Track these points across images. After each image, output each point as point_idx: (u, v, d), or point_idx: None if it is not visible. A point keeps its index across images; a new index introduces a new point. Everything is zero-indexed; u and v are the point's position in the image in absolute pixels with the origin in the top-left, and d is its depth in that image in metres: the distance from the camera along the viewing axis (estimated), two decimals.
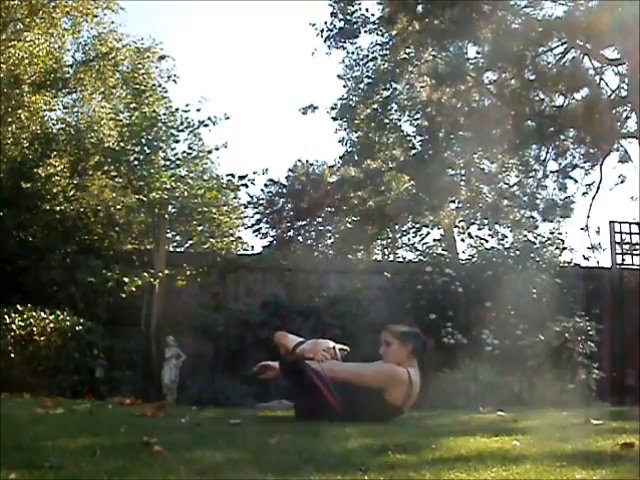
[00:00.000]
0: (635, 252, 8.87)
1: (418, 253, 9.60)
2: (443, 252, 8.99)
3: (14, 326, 6.74)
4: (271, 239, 11.46)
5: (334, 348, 3.80)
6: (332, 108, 13.74)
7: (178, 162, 8.67)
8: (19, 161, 9.15)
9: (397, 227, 14.63)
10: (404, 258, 15.34)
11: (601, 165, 10.70)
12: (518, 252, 8.37)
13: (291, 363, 3.73)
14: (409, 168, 11.79)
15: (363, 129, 13.35)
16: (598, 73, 10.34)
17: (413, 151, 12.02)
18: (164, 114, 8.74)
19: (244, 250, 10.06)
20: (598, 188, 10.86)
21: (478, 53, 10.87)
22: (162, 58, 12.92)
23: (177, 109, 8.76)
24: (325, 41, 11.58)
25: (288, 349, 3.68)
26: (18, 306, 6.99)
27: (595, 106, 9.63)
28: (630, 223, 8.99)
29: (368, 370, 3.84)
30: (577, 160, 10.90)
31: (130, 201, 8.70)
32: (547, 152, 10.85)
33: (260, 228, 12.02)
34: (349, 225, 14.06)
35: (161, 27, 25.83)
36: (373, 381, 3.78)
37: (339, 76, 13.90)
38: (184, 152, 8.74)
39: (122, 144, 8.61)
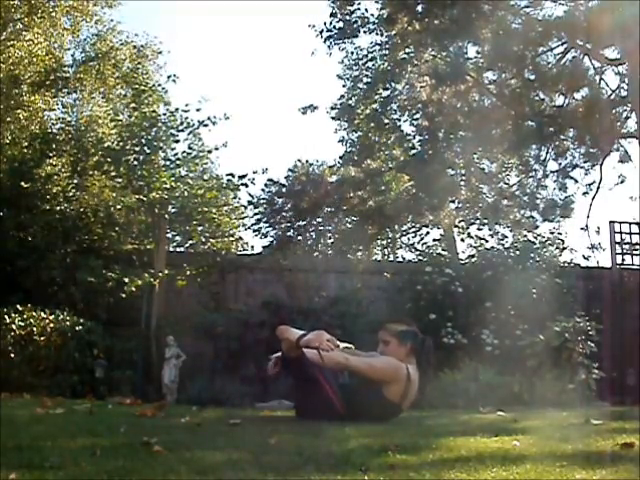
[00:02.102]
0: (635, 252, 8.87)
1: (418, 253, 9.60)
2: (443, 252, 9.00)
3: (14, 326, 6.74)
4: (271, 239, 11.45)
5: (338, 346, 3.81)
6: (332, 108, 13.74)
7: (178, 162, 8.67)
8: (19, 161, 9.15)
9: (397, 227, 14.62)
10: (404, 258, 15.35)
11: (601, 165, 10.69)
12: (518, 252, 8.37)
13: (294, 359, 3.73)
14: (409, 168, 11.77)
15: (363, 129, 13.33)
16: (598, 73, 10.33)
17: (413, 151, 11.99)
18: (164, 114, 8.75)
19: (244, 250, 10.06)
20: (598, 188, 10.85)
21: (478, 53, 10.85)
22: (159, 53, 12.99)
23: (177, 109, 8.77)
24: (325, 41, 11.57)
25: (292, 342, 3.67)
26: (18, 306, 7.00)
27: (595, 106, 9.61)
28: (630, 223, 8.99)
29: (379, 362, 3.84)
30: (577, 160, 10.88)
31: (130, 201, 8.70)
32: (547, 152, 10.83)
33: (260, 228, 12.01)
34: (349, 225, 14.06)
35: (161, 27, 25.87)
36: (382, 373, 3.78)
37: (339, 76, 13.90)
38: (184, 152, 8.74)
39: (122, 144, 8.60)
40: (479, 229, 12.32)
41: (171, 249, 9.35)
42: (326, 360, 3.65)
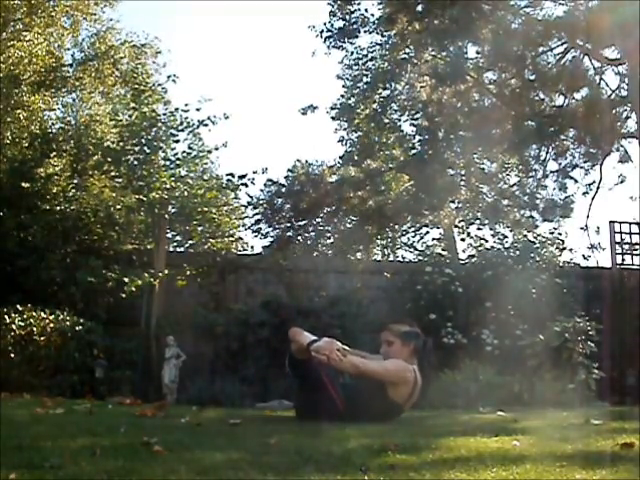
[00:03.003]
0: (635, 252, 8.87)
1: (418, 253, 9.60)
2: (443, 252, 9.00)
3: (14, 326, 6.73)
4: (271, 239, 11.45)
5: (345, 356, 3.83)
6: (332, 108, 13.74)
7: (178, 162, 8.66)
8: (19, 161, 9.14)
9: (397, 227, 14.62)
10: (404, 258, 15.37)
11: (601, 165, 10.69)
12: (518, 252, 8.37)
13: (302, 361, 3.74)
14: (409, 168, 11.78)
15: (363, 129, 13.35)
16: (598, 73, 10.33)
17: (413, 151, 12.00)
18: (164, 114, 8.74)
19: (244, 250, 10.06)
20: (598, 188, 10.86)
21: (478, 53, 10.86)
22: (159, 52, 13.01)
23: (177, 109, 8.75)
24: (324, 41, 11.58)
25: (302, 346, 3.70)
26: (18, 306, 6.98)
27: (595, 106, 9.62)
28: (630, 223, 8.99)
29: (391, 364, 3.85)
30: (577, 160, 10.89)
31: (130, 201, 8.69)
32: (547, 152, 10.83)
33: (260, 228, 12.01)
34: (349, 225, 14.05)
35: (161, 27, 25.86)
36: (395, 375, 3.80)
37: (338, 76, 13.90)
38: (184, 152, 8.73)
39: (122, 144, 8.60)
40: (479, 229, 12.36)
41: (171, 249, 9.35)
42: (345, 363, 3.67)
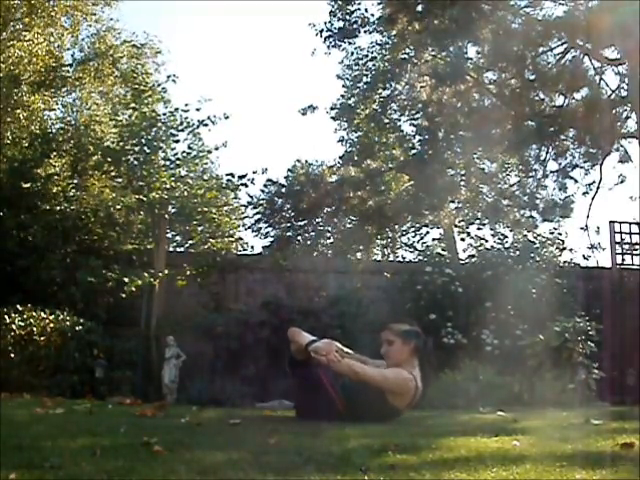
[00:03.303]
0: (635, 252, 8.86)
1: (418, 253, 9.60)
2: (443, 252, 9.00)
3: (14, 326, 6.73)
4: (271, 239, 11.47)
5: (347, 354, 3.84)
6: (332, 108, 13.78)
7: (178, 162, 8.65)
8: (19, 161, 9.14)
9: (397, 227, 14.64)
10: (404, 258, 15.39)
11: (601, 165, 10.69)
12: (518, 252, 8.38)
13: (301, 361, 3.75)
14: (409, 168, 11.80)
15: (363, 129, 13.37)
16: (598, 73, 10.33)
17: (413, 151, 12.02)
18: (164, 114, 8.73)
19: (244, 250, 10.06)
20: (598, 188, 10.86)
21: (478, 53, 10.87)
22: (158, 52, 13.02)
23: (177, 109, 8.75)
24: (324, 41, 11.59)
25: (301, 346, 3.71)
26: (18, 306, 6.98)
27: (595, 106, 9.62)
28: (630, 223, 8.98)
29: (391, 373, 3.84)
30: (577, 160, 10.89)
31: (130, 201, 8.69)
32: (547, 152, 10.83)
33: (260, 228, 12.04)
34: (349, 225, 14.06)
35: (161, 27, 25.86)
36: (394, 384, 3.79)
37: (338, 76, 13.94)
38: (184, 152, 8.73)
39: (122, 144, 8.59)
40: (479, 229, 12.38)
41: (171, 249, 9.34)
42: (343, 366, 3.67)
